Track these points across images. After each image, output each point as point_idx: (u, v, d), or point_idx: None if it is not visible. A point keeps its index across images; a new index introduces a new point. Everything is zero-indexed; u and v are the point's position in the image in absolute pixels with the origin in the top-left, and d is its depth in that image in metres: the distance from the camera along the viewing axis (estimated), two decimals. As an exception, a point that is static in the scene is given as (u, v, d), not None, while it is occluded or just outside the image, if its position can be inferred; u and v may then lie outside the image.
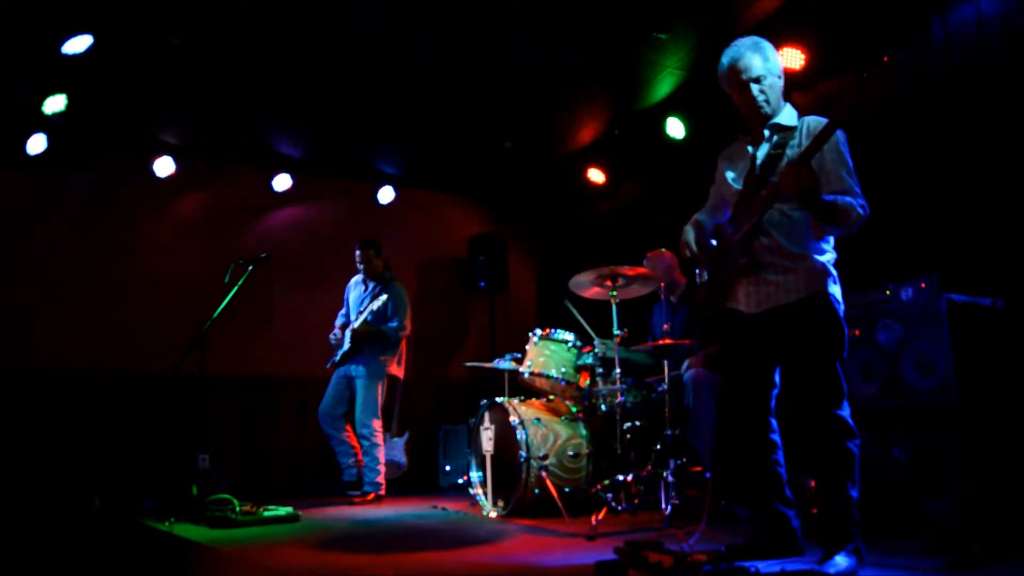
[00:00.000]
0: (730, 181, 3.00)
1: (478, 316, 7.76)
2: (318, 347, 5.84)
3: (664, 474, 4.01)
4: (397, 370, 5.77)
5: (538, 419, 4.46)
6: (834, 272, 2.81)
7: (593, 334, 4.91)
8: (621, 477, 4.22)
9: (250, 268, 5.12)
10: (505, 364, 5.08)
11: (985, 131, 3.84)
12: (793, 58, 4.65)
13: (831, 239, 2.86)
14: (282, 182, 6.88)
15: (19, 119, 5.75)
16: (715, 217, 3.14)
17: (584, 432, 4.55)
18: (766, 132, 2.89)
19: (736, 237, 2.87)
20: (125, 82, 5.48)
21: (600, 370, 4.65)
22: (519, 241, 7.93)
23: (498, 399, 4.64)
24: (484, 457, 4.68)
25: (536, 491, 4.29)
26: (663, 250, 5.07)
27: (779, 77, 2.89)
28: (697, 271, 3.08)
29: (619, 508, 4.13)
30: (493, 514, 4.48)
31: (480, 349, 7.59)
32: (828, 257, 2.82)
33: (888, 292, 3.51)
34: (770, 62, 2.86)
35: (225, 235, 6.61)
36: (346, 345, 5.61)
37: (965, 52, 4.02)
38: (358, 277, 5.93)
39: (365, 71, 5.50)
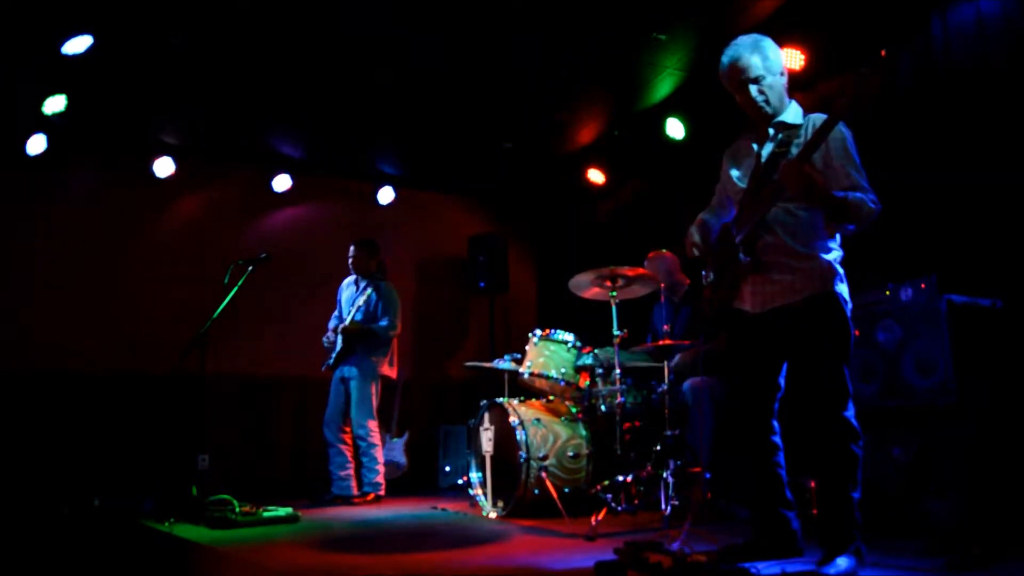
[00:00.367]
0: (735, 179, 2.99)
1: (478, 316, 7.76)
2: (318, 347, 5.85)
3: (664, 475, 4.01)
4: (389, 371, 5.76)
5: (538, 420, 4.46)
6: (841, 271, 2.79)
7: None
8: (621, 478, 4.22)
9: (250, 268, 5.12)
10: (505, 364, 5.08)
11: (985, 131, 3.84)
12: (793, 58, 4.65)
13: (838, 237, 2.84)
14: (282, 182, 6.88)
15: (19, 119, 5.75)
16: (720, 216, 3.13)
17: (584, 433, 4.55)
18: (771, 131, 2.87)
19: (739, 235, 2.86)
20: (125, 82, 5.47)
21: (600, 371, 4.64)
22: (519, 241, 7.93)
23: (498, 399, 4.64)
24: (484, 458, 4.68)
25: (536, 492, 4.29)
26: (664, 251, 5.07)
27: (781, 75, 2.87)
28: (704, 272, 3.08)
29: (619, 509, 4.13)
30: (493, 514, 4.48)
31: (480, 349, 7.58)
32: (835, 256, 2.81)
33: (888, 292, 3.51)
34: (770, 61, 2.83)
35: (225, 235, 6.61)
36: (339, 346, 5.61)
37: (965, 52, 4.01)
38: (351, 278, 5.93)
39: (365, 71, 5.50)
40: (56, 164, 6.01)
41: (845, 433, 2.67)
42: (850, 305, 2.77)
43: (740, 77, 2.82)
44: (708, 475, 4.07)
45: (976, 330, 3.29)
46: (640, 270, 4.42)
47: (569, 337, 4.73)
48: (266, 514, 4.33)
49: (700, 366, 4.46)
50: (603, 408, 4.59)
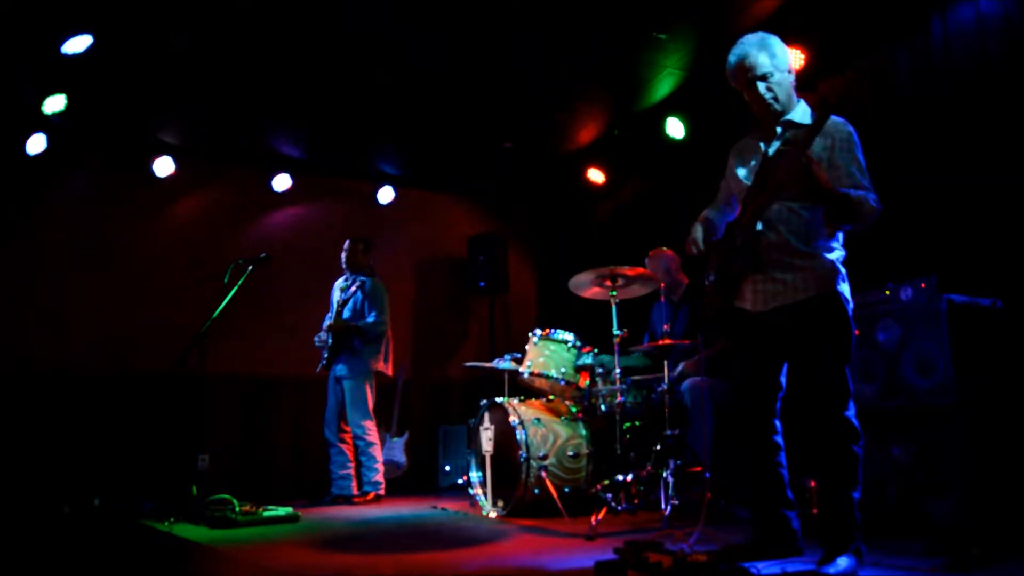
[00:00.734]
0: (740, 177, 2.98)
1: (478, 316, 7.76)
2: (318, 347, 5.84)
3: (664, 474, 4.01)
4: (384, 367, 5.73)
5: (538, 419, 4.46)
6: (843, 270, 2.79)
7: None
8: (621, 477, 4.22)
9: (250, 268, 5.12)
10: (505, 364, 5.08)
11: (985, 131, 3.84)
12: (793, 58, 4.65)
13: (840, 236, 2.84)
14: (282, 182, 6.88)
15: (19, 119, 5.75)
16: (724, 213, 3.12)
17: (584, 432, 4.55)
18: (778, 129, 2.86)
19: (742, 233, 2.86)
20: (125, 82, 5.47)
21: (600, 370, 4.64)
22: (519, 241, 7.93)
23: (498, 399, 4.64)
24: (484, 457, 4.68)
25: (536, 491, 4.29)
26: (665, 249, 5.07)
27: (789, 73, 2.86)
28: (705, 273, 3.06)
29: (619, 508, 4.13)
30: (493, 514, 4.48)
31: (480, 349, 7.58)
32: (837, 255, 2.80)
33: (888, 292, 3.51)
34: (778, 58, 2.83)
35: (225, 235, 6.61)
36: (329, 342, 5.61)
37: (965, 52, 4.01)
38: (342, 278, 5.92)
39: (365, 71, 5.50)
40: (56, 164, 6.01)
41: (845, 433, 2.67)
42: (851, 305, 2.77)
43: (748, 75, 2.81)
44: (708, 475, 4.07)
45: (976, 330, 3.29)
46: (640, 270, 4.42)
47: (569, 337, 4.73)
48: (266, 514, 4.33)
49: (702, 368, 4.46)
50: (603, 408, 4.59)
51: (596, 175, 6.89)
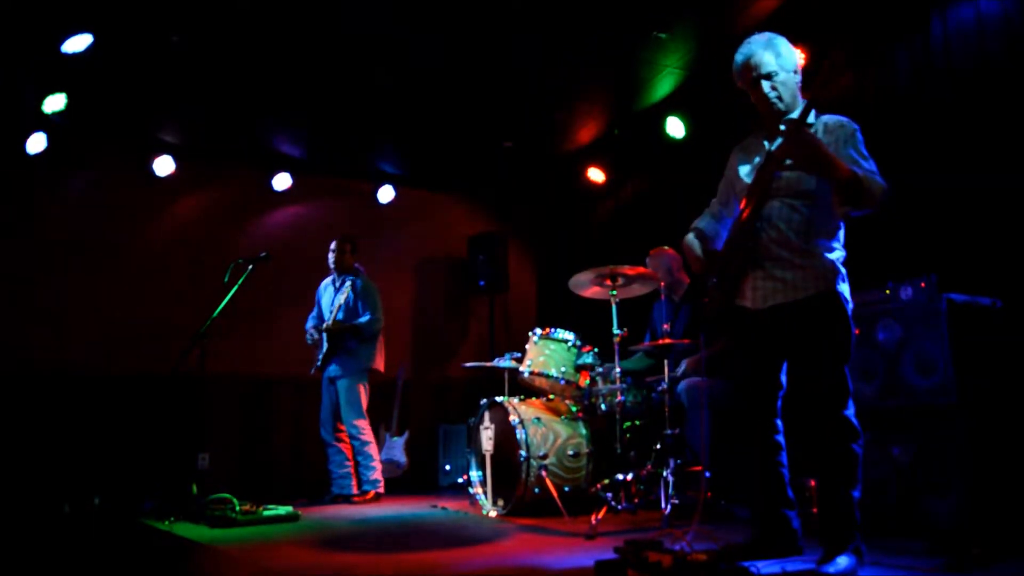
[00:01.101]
0: (742, 175, 2.98)
1: (478, 315, 7.76)
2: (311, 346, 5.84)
3: (664, 473, 4.01)
4: (378, 363, 5.72)
5: (538, 418, 4.47)
6: (843, 270, 2.79)
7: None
8: (621, 476, 4.22)
9: (250, 268, 5.12)
10: (505, 363, 5.08)
11: (984, 131, 3.84)
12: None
13: (840, 236, 2.84)
14: (282, 182, 6.88)
15: (19, 118, 5.75)
16: (721, 216, 3.12)
17: (584, 431, 4.55)
18: (782, 127, 2.86)
19: (741, 229, 2.86)
20: (125, 81, 5.47)
21: (600, 369, 4.64)
22: (519, 240, 7.93)
23: (498, 398, 4.64)
24: (484, 456, 4.68)
25: (536, 490, 4.29)
26: (666, 248, 5.07)
27: (794, 73, 2.87)
28: (708, 275, 3.05)
29: (619, 507, 4.13)
30: (493, 513, 4.48)
31: (480, 348, 7.58)
32: (837, 255, 2.80)
33: (888, 291, 3.51)
34: (783, 58, 2.84)
35: (225, 235, 6.61)
36: (325, 346, 5.59)
37: (964, 52, 4.01)
38: (328, 279, 5.91)
39: (365, 71, 5.50)
40: (56, 163, 6.01)
41: (845, 432, 2.67)
42: (851, 305, 2.77)
43: (753, 74, 2.83)
44: (708, 474, 4.07)
45: (976, 330, 3.28)
46: (640, 269, 4.42)
47: (569, 336, 4.73)
48: (266, 513, 4.33)
49: (703, 368, 4.46)
50: (603, 407, 4.59)
51: (596, 174, 6.89)
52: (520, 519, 4.26)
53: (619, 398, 4.34)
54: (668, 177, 6.26)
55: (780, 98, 2.84)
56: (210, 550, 3.55)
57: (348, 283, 5.70)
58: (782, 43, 2.87)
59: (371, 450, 5.59)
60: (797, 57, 2.91)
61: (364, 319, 5.59)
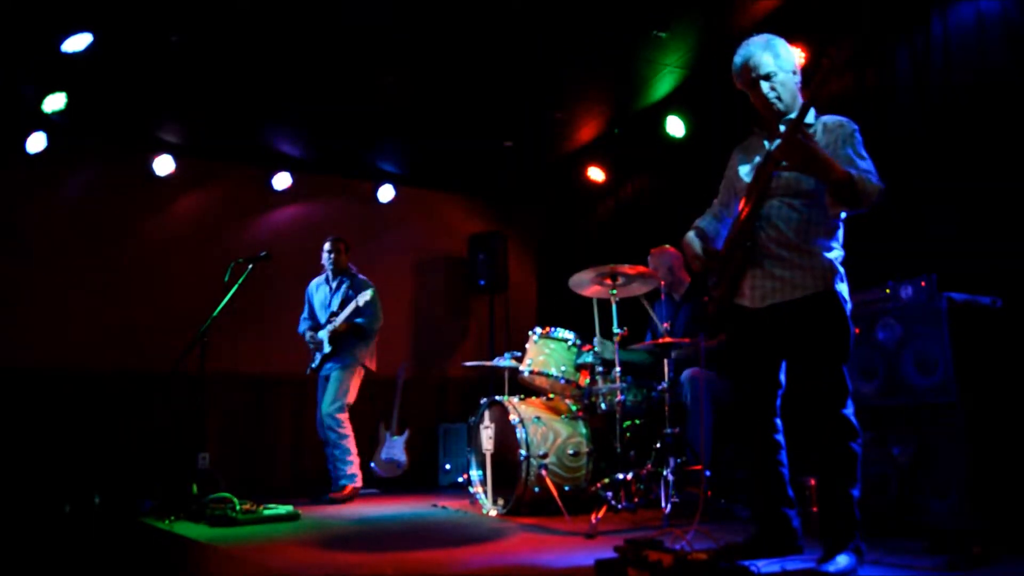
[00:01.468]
0: (742, 175, 2.99)
1: (478, 315, 7.77)
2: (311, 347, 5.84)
3: (664, 472, 4.01)
4: (370, 362, 5.71)
5: (538, 417, 4.46)
6: (841, 270, 2.79)
7: (660, 327, 4.83)
8: (621, 475, 4.22)
9: (250, 267, 5.12)
10: (505, 362, 5.07)
11: (984, 130, 3.84)
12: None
13: (839, 236, 2.84)
14: (282, 181, 6.88)
15: (19, 117, 5.75)
16: (722, 216, 3.13)
17: (584, 430, 4.55)
18: (782, 127, 2.86)
19: (740, 228, 2.86)
20: (125, 80, 5.48)
21: (600, 368, 4.64)
22: (519, 239, 7.93)
23: (498, 397, 4.64)
24: (484, 455, 4.68)
25: (536, 489, 4.29)
26: (668, 246, 5.06)
27: (793, 73, 2.88)
28: (708, 275, 3.05)
29: (619, 506, 4.13)
30: (493, 512, 4.48)
31: (480, 347, 7.59)
32: (836, 255, 2.81)
33: (888, 291, 3.51)
34: (782, 59, 2.85)
35: (225, 234, 6.62)
36: (327, 348, 5.57)
37: (964, 51, 4.01)
38: (320, 278, 5.88)
39: (366, 70, 5.50)
40: (56, 162, 6.02)
41: (844, 431, 2.67)
42: (850, 305, 2.77)
43: (752, 75, 2.84)
44: (708, 473, 4.07)
45: (976, 329, 3.28)
46: (640, 268, 4.42)
47: (569, 335, 4.72)
48: (267, 512, 4.32)
49: (702, 364, 4.46)
50: (603, 406, 4.59)
51: (596, 174, 6.89)
52: (520, 518, 4.26)
53: (619, 397, 4.34)
54: (668, 176, 6.26)
55: (779, 98, 2.85)
56: (210, 550, 3.55)
57: (346, 283, 5.69)
58: (780, 44, 2.88)
59: (348, 444, 5.49)
60: (796, 57, 2.92)
61: (364, 319, 5.58)
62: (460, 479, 6.21)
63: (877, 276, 3.57)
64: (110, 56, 5.08)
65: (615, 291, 4.43)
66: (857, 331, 3.49)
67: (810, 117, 2.86)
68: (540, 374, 4.64)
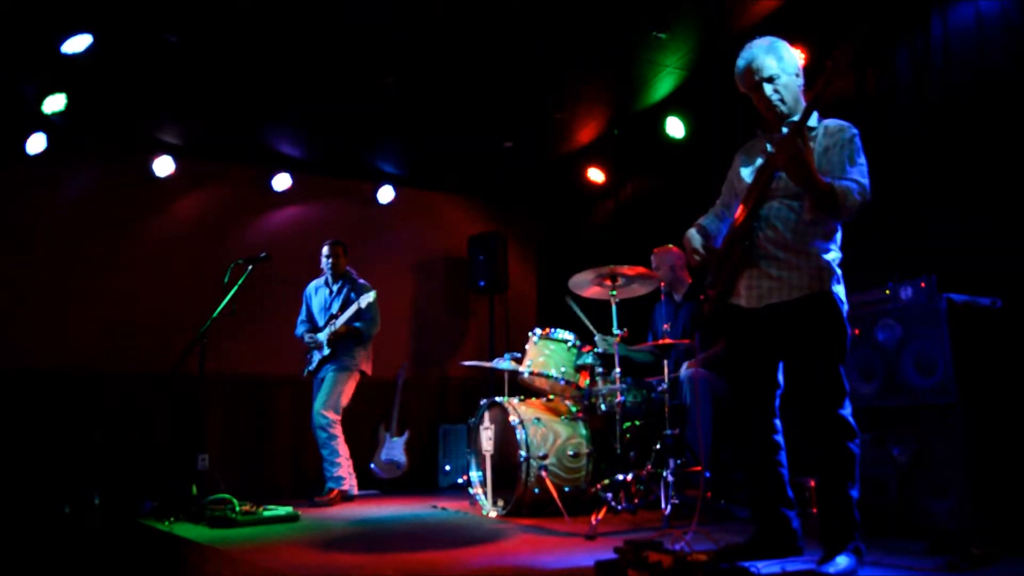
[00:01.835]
0: (743, 176, 3.00)
1: (478, 315, 7.77)
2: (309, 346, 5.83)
3: (664, 473, 4.01)
4: (366, 365, 5.69)
5: (538, 419, 4.46)
6: (839, 272, 2.80)
7: (593, 329, 4.90)
8: (621, 477, 4.22)
9: (249, 268, 5.11)
10: (505, 364, 5.07)
11: (985, 129, 3.84)
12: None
13: (837, 238, 2.85)
14: (282, 181, 6.88)
15: (19, 118, 5.75)
16: (723, 218, 3.14)
17: (584, 432, 4.55)
18: (784, 129, 2.87)
19: (739, 228, 2.86)
20: (125, 81, 5.48)
21: (600, 370, 4.64)
22: (519, 240, 7.93)
23: (498, 399, 4.64)
24: (484, 457, 4.68)
25: (536, 491, 4.29)
26: (671, 246, 5.07)
27: (796, 76, 2.89)
28: (706, 274, 3.07)
29: (619, 508, 4.13)
30: (493, 514, 4.48)
31: (480, 348, 7.59)
32: (833, 256, 2.81)
33: (888, 291, 3.51)
34: (784, 62, 2.87)
35: (225, 235, 6.61)
36: (326, 350, 5.55)
37: (964, 51, 4.01)
38: (318, 281, 5.87)
39: (365, 70, 5.50)
40: (56, 163, 6.01)
41: (842, 431, 2.68)
42: (846, 306, 2.78)
43: (755, 77, 2.85)
44: (708, 474, 4.07)
45: (976, 330, 3.29)
46: (640, 269, 4.42)
47: (569, 336, 4.73)
48: (266, 513, 4.32)
49: (697, 358, 4.47)
50: (603, 407, 4.59)
51: (596, 174, 6.89)
52: (520, 519, 4.25)
53: (619, 398, 4.34)
54: (668, 177, 6.26)
55: (783, 101, 2.86)
56: (210, 551, 3.54)
57: (347, 287, 5.69)
58: (783, 47, 2.90)
59: (338, 445, 5.43)
60: (798, 60, 2.92)
61: (364, 323, 5.58)
62: (460, 480, 6.21)
63: (877, 276, 3.57)
64: (110, 57, 5.08)
65: (615, 292, 4.43)
66: (857, 332, 3.50)
67: (812, 120, 2.87)
68: (540, 375, 4.64)
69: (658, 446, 4.27)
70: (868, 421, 3.33)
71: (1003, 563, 2.75)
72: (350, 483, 5.50)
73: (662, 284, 4.63)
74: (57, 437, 5.66)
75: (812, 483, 3.70)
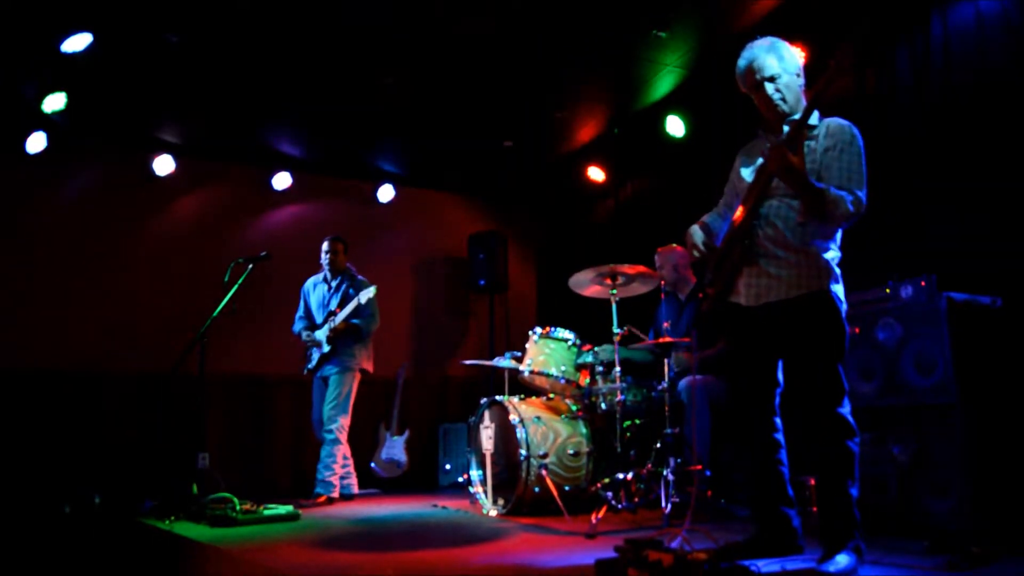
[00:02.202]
0: (744, 176, 3.00)
1: (478, 314, 7.77)
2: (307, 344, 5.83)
3: (664, 472, 4.01)
4: (368, 363, 5.68)
5: (538, 417, 4.47)
6: (837, 271, 2.80)
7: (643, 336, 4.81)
8: (621, 475, 4.22)
9: (250, 267, 5.11)
10: (505, 362, 5.07)
11: (985, 129, 3.84)
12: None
13: (837, 237, 2.85)
14: (282, 181, 6.88)
15: (19, 117, 5.75)
16: (725, 216, 3.14)
17: (584, 430, 4.55)
18: (785, 128, 2.87)
19: (739, 226, 2.87)
20: (125, 80, 5.47)
21: (600, 368, 4.64)
22: (519, 239, 7.93)
23: (498, 397, 4.64)
24: (484, 455, 4.68)
25: (536, 489, 4.29)
26: (674, 245, 5.07)
27: (797, 76, 2.90)
28: (707, 272, 3.08)
29: (619, 506, 4.13)
30: (493, 512, 4.48)
31: (480, 347, 7.59)
32: (832, 255, 2.82)
33: (888, 290, 3.51)
34: (785, 61, 2.87)
35: (225, 233, 6.61)
36: (325, 347, 5.53)
37: (964, 51, 4.01)
38: (316, 277, 5.85)
39: (365, 70, 5.50)
40: (56, 162, 6.01)
41: (841, 430, 2.68)
42: (845, 305, 2.78)
43: (756, 77, 2.86)
44: (708, 473, 4.08)
45: (976, 329, 3.29)
46: (640, 268, 4.42)
47: (569, 335, 4.73)
48: (267, 512, 4.32)
49: (694, 366, 4.46)
50: (603, 406, 4.60)
51: (596, 173, 6.89)
52: (520, 518, 4.26)
53: (619, 397, 4.34)
54: (668, 176, 6.26)
55: (784, 100, 2.86)
56: (210, 550, 3.55)
57: (345, 283, 5.69)
58: (784, 47, 2.90)
59: (336, 451, 5.40)
60: (799, 59, 2.93)
61: (363, 319, 5.57)
62: (460, 479, 6.21)
63: (877, 276, 3.57)
64: (110, 56, 5.08)
65: (615, 291, 4.44)
66: (857, 331, 3.50)
67: (814, 119, 2.87)
68: (540, 374, 4.64)
69: (658, 445, 4.28)
70: (868, 420, 3.33)
71: (1003, 563, 2.75)
72: (339, 490, 5.46)
73: (662, 283, 4.63)
74: (57, 437, 5.66)
75: (812, 482, 3.70)
